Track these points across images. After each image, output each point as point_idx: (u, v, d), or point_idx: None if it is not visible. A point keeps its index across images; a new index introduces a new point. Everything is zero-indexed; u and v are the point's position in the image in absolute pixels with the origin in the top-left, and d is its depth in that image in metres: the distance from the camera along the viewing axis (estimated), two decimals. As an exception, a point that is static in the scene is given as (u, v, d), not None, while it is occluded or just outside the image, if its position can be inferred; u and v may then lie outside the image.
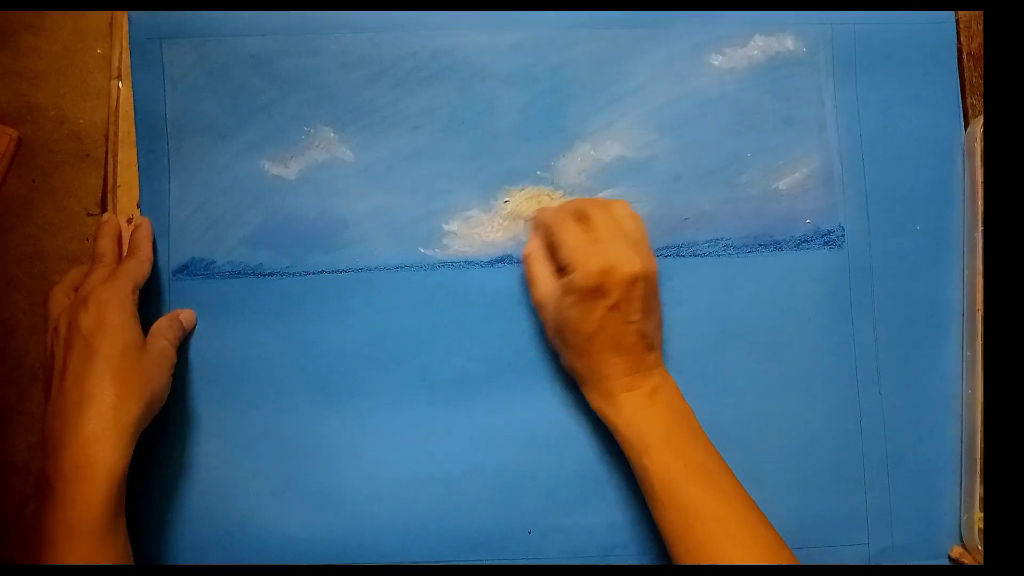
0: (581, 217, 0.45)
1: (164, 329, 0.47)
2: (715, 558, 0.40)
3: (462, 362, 0.50)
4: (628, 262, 0.43)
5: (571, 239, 0.44)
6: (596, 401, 0.46)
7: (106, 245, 0.48)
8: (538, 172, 0.51)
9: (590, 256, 0.43)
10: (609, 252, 0.43)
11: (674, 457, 0.43)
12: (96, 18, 0.52)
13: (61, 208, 0.52)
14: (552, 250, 0.46)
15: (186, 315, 0.49)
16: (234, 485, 0.49)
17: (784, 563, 0.41)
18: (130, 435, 0.42)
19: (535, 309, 0.48)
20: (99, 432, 0.41)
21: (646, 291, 0.44)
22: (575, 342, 0.45)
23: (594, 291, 0.43)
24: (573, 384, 0.49)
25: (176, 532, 0.49)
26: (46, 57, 0.53)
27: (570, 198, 0.51)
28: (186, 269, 0.50)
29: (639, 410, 0.44)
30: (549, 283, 0.46)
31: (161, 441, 0.49)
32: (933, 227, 0.51)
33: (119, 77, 0.51)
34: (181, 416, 0.49)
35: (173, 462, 0.49)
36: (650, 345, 0.45)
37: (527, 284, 0.48)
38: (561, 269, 0.45)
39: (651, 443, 0.43)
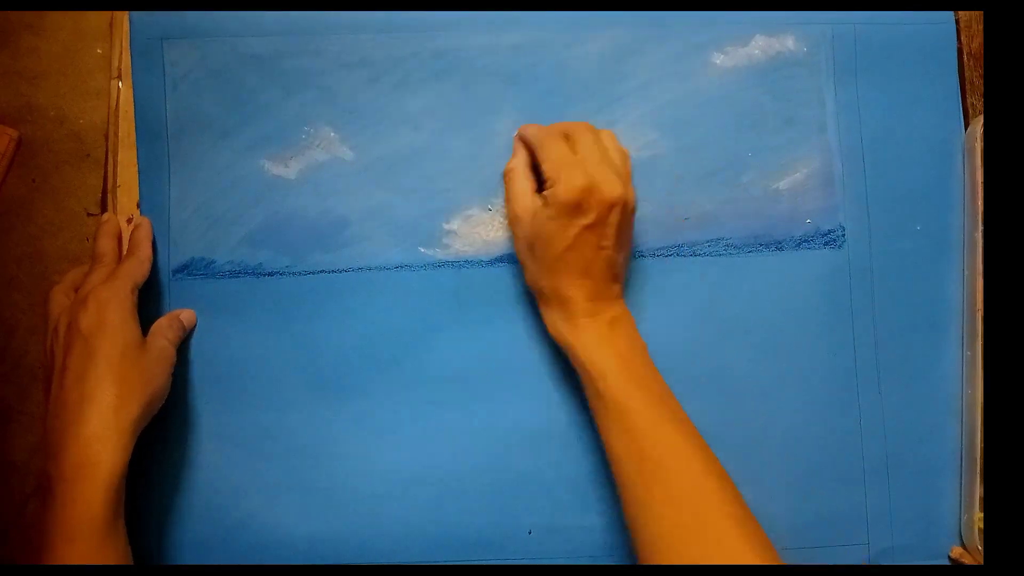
0: (569, 136, 0.45)
1: (164, 329, 0.47)
2: (663, 481, 0.40)
3: (462, 362, 0.50)
4: (611, 185, 0.43)
5: (557, 154, 0.44)
6: (555, 323, 0.46)
7: (106, 245, 0.48)
8: (538, 172, 0.51)
9: (574, 172, 0.43)
10: (594, 172, 0.43)
11: (633, 385, 0.43)
12: (96, 18, 0.52)
13: (61, 208, 0.52)
14: (536, 166, 0.46)
15: (186, 315, 0.49)
16: (234, 485, 0.49)
17: (729, 491, 0.41)
18: (130, 435, 0.42)
19: (509, 223, 0.47)
20: (99, 432, 0.41)
21: (622, 219, 0.44)
22: (545, 257, 0.45)
23: (574, 207, 0.43)
24: (573, 384, 0.49)
25: (176, 532, 0.49)
26: (46, 57, 0.53)
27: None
28: (186, 269, 0.50)
29: (599, 337, 0.44)
30: (528, 197, 0.46)
31: (161, 441, 0.49)
32: (933, 227, 0.51)
33: (119, 77, 0.51)
34: (181, 416, 0.49)
35: (173, 462, 0.49)
36: (616, 275, 0.46)
37: (505, 198, 0.47)
38: (542, 185, 0.45)
39: (609, 369, 0.43)
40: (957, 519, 0.50)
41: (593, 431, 0.49)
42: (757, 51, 0.52)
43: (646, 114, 0.51)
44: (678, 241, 0.51)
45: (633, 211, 0.45)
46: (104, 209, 0.51)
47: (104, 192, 0.51)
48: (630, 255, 0.48)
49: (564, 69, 0.51)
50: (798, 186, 0.51)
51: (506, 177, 0.47)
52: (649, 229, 0.51)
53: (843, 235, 0.51)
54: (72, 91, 0.53)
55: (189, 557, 0.49)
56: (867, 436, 0.50)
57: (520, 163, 0.47)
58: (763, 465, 0.50)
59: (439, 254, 0.51)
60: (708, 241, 0.51)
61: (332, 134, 0.51)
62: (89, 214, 0.52)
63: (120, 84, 0.51)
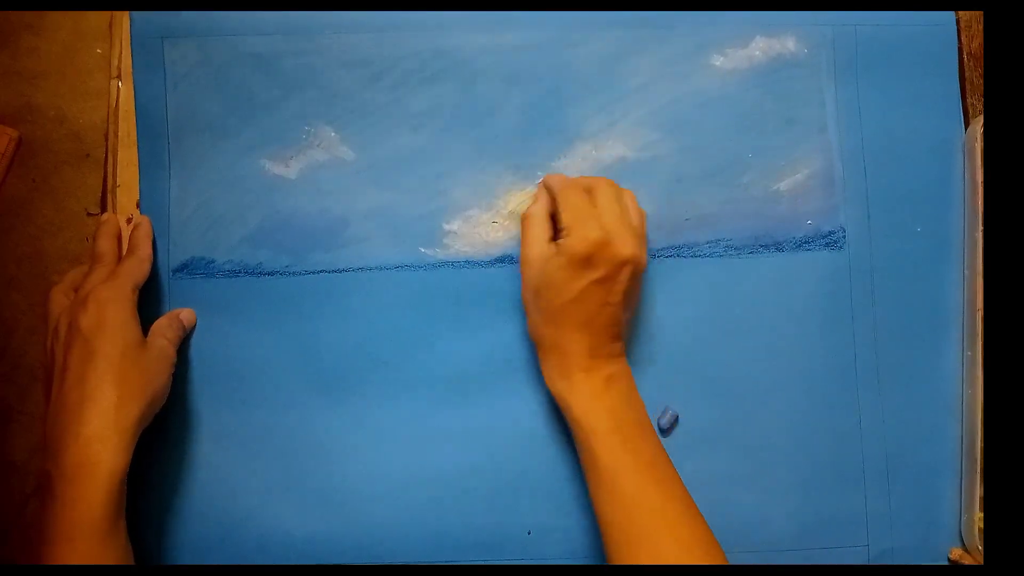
0: (589, 190, 0.45)
1: (164, 328, 0.47)
2: (650, 551, 0.40)
3: (462, 362, 0.50)
4: (624, 243, 0.43)
5: (575, 205, 0.44)
6: (552, 375, 0.46)
7: (105, 245, 0.48)
8: (539, 172, 0.51)
9: (590, 225, 0.43)
10: (610, 227, 0.43)
11: (622, 446, 0.43)
12: (96, 18, 0.52)
13: (61, 208, 0.52)
14: (554, 215, 0.47)
15: (186, 314, 0.49)
16: (234, 485, 0.49)
17: (715, 559, 0.41)
18: (130, 435, 0.42)
19: (521, 267, 0.47)
20: (100, 432, 0.41)
21: (632, 279, 0.44)
22: (549, 306, 0.45)
23: (585, 259, 0.43)
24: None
25: (176, 532, 0.49)
26: (46, 57, 0.53)
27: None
28: (186, 268, 0.50)
29: (593, 393, 0.44)
30: (542, 244, 0.46)
31: (161, 441, 0.49)
32: (933, 227, 0.51)
33: (119, 77, 0.51)
34: (181, 416, 0.49)
35: (173, 462, 0.49)
36: (618, 334, 0.46)
37: (521, 242, 0.47)
38: (557, 234, 0.45)
39: (602, 429, 0.43)
40: (957, 520, 0.50)
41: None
42: (758, 52, 0.52)
43: (646, 115, 0.51)
44: (678, 242, 0.51)
45: (643, 271, 0.45)
46: (104, 209, 0.51)
47: (104, 192, 0.51)
48: (634, 316, 0.48)
49: (564, 69, 0.51)
50: (798, 187, 0.51)
51: (524, 222, 0.47)
52: (649, 230, 0.50)
53: (844, 236, 0.51)
54: (72, 91, 0.53)
55: (189, 557, 0.49)
56: (867, 437, 0.50)
57: (540, 209, 0.47)
58: (763, 466, 0.50)
59: (439, 254, 0.50)
60: (709, 242, 0.51)
61: (332, 134, 0.51)
62: (89, 214, 0.52)
63: (120, 84, 0.51)
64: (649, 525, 0.41)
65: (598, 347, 0.45)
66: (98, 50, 0.52)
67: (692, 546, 0.41)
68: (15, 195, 0.52)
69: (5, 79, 0.53)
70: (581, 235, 0.43)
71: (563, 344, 0.45)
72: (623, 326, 0.46)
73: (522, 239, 0.47)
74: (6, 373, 0.51)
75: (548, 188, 0.47)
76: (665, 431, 0.49)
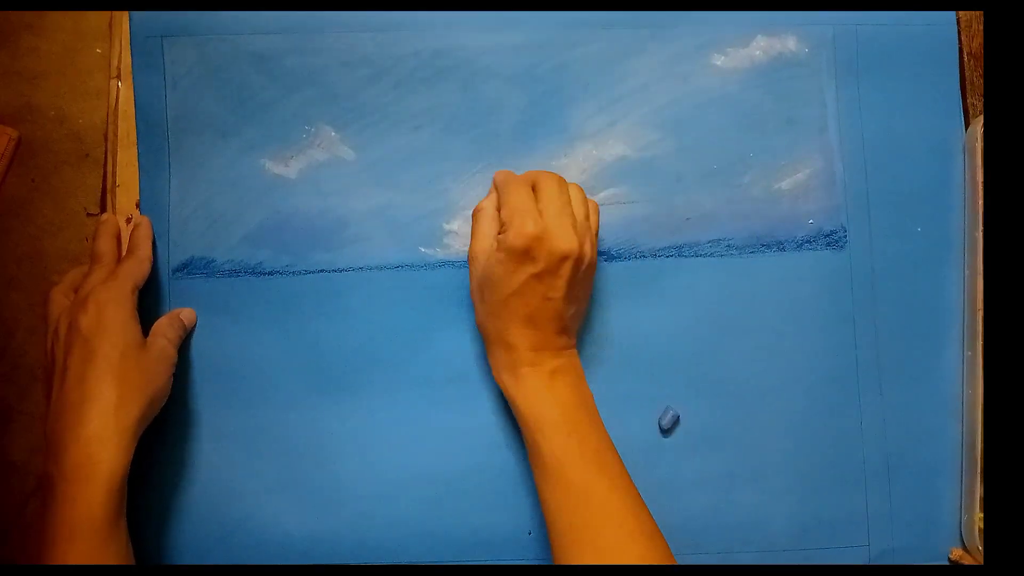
0: (534, 185, 0.45)
1: (164, 328, 0.47)
2: (595, 540, 0.41)
3: (462, 362, 0.50)
4: (563, 238, 0.43)
5: (516, 200, 0.44)
6: (499, 369, 0.46)
7: (105, 245, 0.48)
8: (539, 172, 0.51)
9: (527, 219, 0.43)
10: (549, 222, 0.43)
11: (567, 438, 0.43)
12: (96, 18, 0.52)
13: (61, 208, 0.52)
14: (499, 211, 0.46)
15: (186, 314, 0.49)
16: (234, 485, 0.49)
17: (659, 552, 0.41)
18: (131, 435, 0.42)
19: (468, 259, 0.47)
20: (100, 433, 0.41)
21: (574, 273, 0.44)
22: (492, 300, 0.45)
23: (523, 253, 0.43)
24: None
25: (176, 532, 0.49)
26: (46, 57, 0.53)
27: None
28: (186, 268, 0.50)
29: (539, 388, 0.44)
30: (488, 239, 0.46)
31: (161, 441, 0.49)
32: (934, 227, 0.51)
33: (119, 77, 0.51)
34: (181, 416, 0.49)
35: (173, 462, 0.49)
36: (564, 328, 0.45)
37: (471, 234, 0.47)
38: (501, 228, 0.45)
39: (547, 422, 0.43)
40: (957, 520, 0.50)
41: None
42: (758, 51, 0.52)
43: (647, 114, 0.51)
44: (679, 241, 0.51)
45: (591, 266, 0.45)
46: (104, 209, 0.51)
47: (104, 192, 0.51)
48: (585, 310, 0.48)
49: (565, 69, 0.51)
50: (799, 186, 0.51)
51: (474, 217, 0.47)
52: (650, 229, 0.50)
53: (845, 236, 0.51)
54: (72, 91, 0.53)
55: (189, 557, 0.49)
56: (868, 437, 0.50)
57: (489, 204, 0.47)
58: (764, 466, 0.50)
59: (439, 254, 0.50)
60: (709, 241, 0.51)
61: (333, 133, 0.51)
62: (89, 214, 0.52)
63: (120, 84, 0.51)
64: (594, 516, 0.41)
65: (543, 341, 0.45)
66: (98, 50, 0.52)
67: (637, 536, 0.41)
68: (15, 195, 0.52)
69: (5, 79, 0.52)
70: (517, 230, 0.43)
71: (507, 338, 0.45)
72: (570, 319, 0.46)
73: (472, 235, 0.47)
74: (6, 373, 0.51)
75: (497, 183, 0.47)
76: (666, 431, 0.50)
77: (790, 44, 0.52)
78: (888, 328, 0.50)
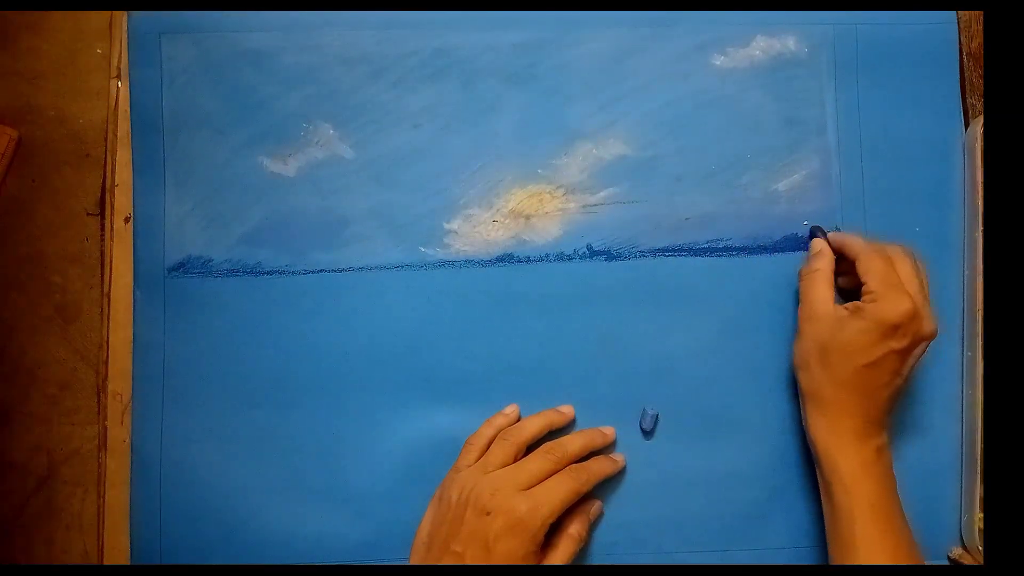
0: (890, 258, 0.45)
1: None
2: None
3: (462, 362, 0.50)
4: (931, 319, 0.44)
5: (882, 271, 0.44)
6: (820, 430, 0.46)
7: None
8: (539, 171, 0.51)
9: (902, 295, 0.43)
10: (919, 301, 0.44)
11: (885, 524, 0.43)
12: (96, 18, 0.52)
13: (61, 208, 0.52)
14: (845, 274, 0.47)
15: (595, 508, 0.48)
16: (234, 485, 0.49)
17: None
18: None
19: (801, 322, 0.47)
20: None
21: (922, 355, 0.45)
22: (839, 367, 0.44)
23: (892, 328, 0.43)
24: (572, 384, 0.49)
25: (176, 532, 0.49)
26: (46, 57, 0.53)
27: (571, 197, 0.51)
28: (182, 267, 0.50)
29: (865, 462, 0.44)
30: (831, 303, 0.46)
31: (162, 441, 0.49)
32: (933, 227, 0.51)
33: (119, 77, 0.51)
34: (182, 416, 0.49)
35: (173, 462, 0.49)
36: (894, 406, 0.46)
37: (801, 298, 0.47)
38: (846, 293, 0.46)
39: (866, 501, 0.43)
40: (957, 519, 0.50)
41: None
42: (758, 51, 0.52)
43: (646, 114, 0.51)
44: (678, 241, 0.51)
45: None
46: (103, 209, 0.51)
47: (103, 192, 0.51)
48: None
49: (565, 69, 0.51)
50: (797, 187, 0.51)
51: (808, 277, 0.47)
52: (649, 229, 0.50)
53: (843, 235, 0.51)
54: (72, 91, 0.53)
55: (189, 557, 0.49)
56: (867, 436, 0.50)
57: (826, 266, 0.47)
58: (764, 465, 0.50)
59: (439, 253, 0.50)
60: (708, 241, 0.51)
61: (331, 131, 0.51)
62: (89, 214, 0.52)
63: (120, 84, 0.51)
64: None
65: (876, 415, 0.45)
66: (98, 50, 0.53)
67: None
68: (15, 195, 0.52)
69: (5, 79, 0.53)
70: (894, 304, 0.43)
71: (845, 405, 0.45)
72: (898, 400, 0.46)
73: (806, 295, 0.47)
74: (6, 373, 0.51)
75: (840, 245, 0.47)
76: (648, 433, 0.49)
77: (790, 44, 0.52)
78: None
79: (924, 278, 0.46)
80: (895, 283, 0.44)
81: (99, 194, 0.52)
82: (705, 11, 0.51)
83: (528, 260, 0.50)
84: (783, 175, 0.51)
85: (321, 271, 0.50)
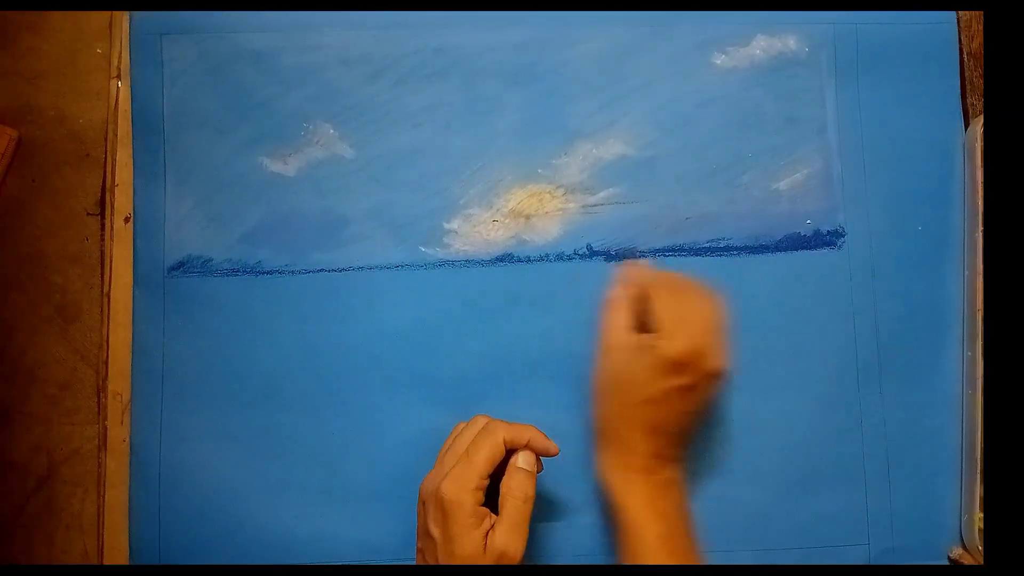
0: (682, 292, 0.45)
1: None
2: None
3: (462, 361, 0.50)
4: (719, 355, 0.43)
5: (672, 307, 0.43)
6: (606, 468, 0.45)
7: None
8: (539, 170, 0.51)
9: (687, 331, 0.42)
10: (706, 339, 0.43)
11: (669, 555, 0.42)
12: (96, 18, 0.52)
13: (61, 208, 0.52)
14: (639, 305, 0.46)
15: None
16: (234, 485, 0.49)
17: None
18: None
19: (599, 353, 0.46)
20: None
21: (714, 391, 0.44)
22: (623, 401, 0.44)
23: (676, 365, 0.42)
24: (571, 383, 0.49)
25: (176, 532, 0.49)
26: (46, 57, 0.53)
27: (571, 196, 0.51)
28: (182, 267, 0.50)
29: (650, 498, 0.43)
30: (625, 333, 0.45)
31: (161, 441, 0.49)
32: (933, 227, 0.51)
33: (119, 77, 0.51)
34: (181, 416, 0.49)
35: (173, 462, 0.49)
36: (685, 441, 0.45)
37: (602, 326, 0.46)
38: (641, 326, 0.45)
39: (651, 536, 0.42)
40: (957, 519, 0.50)
41: (591, 429, 0.49)
42: (758, 51, 0.52)
43: (647, 114, 0.51)
44: (679, 241, 0.51)
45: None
46: (103, 209, 0.51)
47: (103, 192, 0.51)
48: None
49: (565, 68, 0.51)
50: (798, 186, 0.51)
51: (607, 305, 0.47)
52: (650, 229, 0.50)
53: (843, 236, 0.51)
54: (72, 91, 0.53)
55: (189, 557, 0.49)
56: (868, 436, 0.50)
57: (626, 295, 0.46)
58: (764, 465, 0.50)
59: (439, 253, 0.50)
60: (708, 241, 0.51)
61: (331, 131, 0.51)
62: (89, 214, 0.52)
63: (120, 84, 0.51)
64: None
65: (663, 451, 0.44)
66: (98, 50, 0.53)
67: None
68: (15, 195, 0.52)
69: (5, 79, 0.53)
70: (676, 341, 0.42)
71: (629, 441, 0.44)
72: (693, 434, 0.46)
73: (604, 323, 0.46)
74: (6, 373, 0.51)
75: (633, 279, 0.47)
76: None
77: (790, 44, 0.52)
78: (887, 328, 0.50)
79: (719, 314, 0.44)
80: (681, 319, 0.43)
81: (99, 194, 0.52)
82: (705, 11, 0.51)
83: (528, 260, 0.50)
84: (783, 174, 0.51)
85: (321, 271, 0.50)
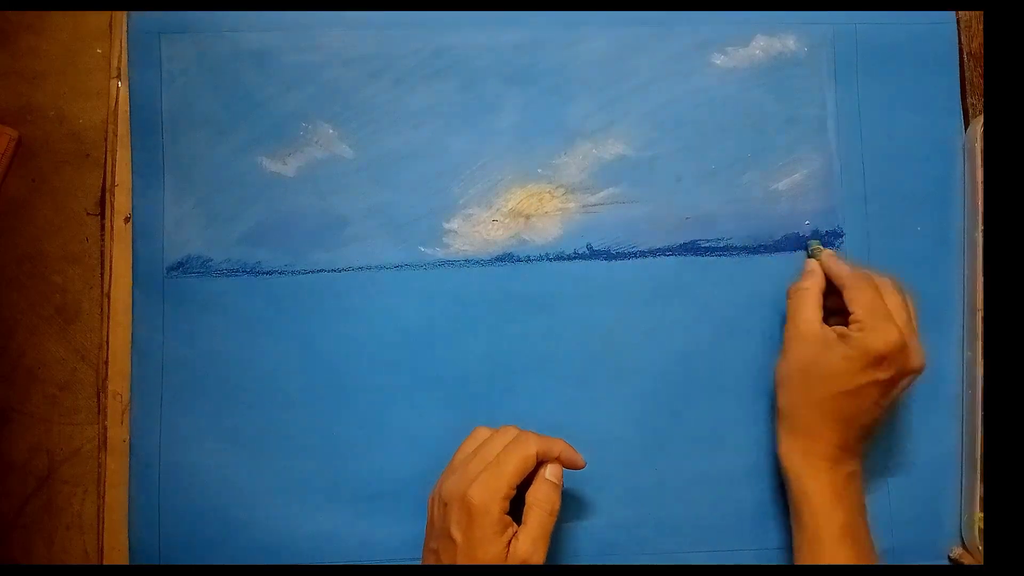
0: (878, 287, 0.45)
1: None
2: None
3: (462, 361, 0.50)
4: (919, 354, 0.44)
5: (871, 300, 0.44)
6: (792, 452, 0.46)
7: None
8: (539, 170, 0.51)
9: (891, 327, 0.43)
10: (908, 334, 0.43)
11: (850, 550, 0.43)
12: (96, 18, 0.52)
13: (61, 208, 0.52)
14: (834, 297, 0.46)
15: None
16: (234, 485, 0.49)
17: None
18: None
19: (787, 340, 0.46)
20: None
21: (908, 388, 0.44)
22: (818, 391, 0.44)
23: (878, 359, 0.42)
24: (571, 383, 0.49)
25: (176, 532, 0.49)
26: (46, 57, 0.53)
27: (571, 196, 0.51)
28: (181, 267, 0.50)
29: (836, 488, 0.44)
30: (817, 324, 0.45)
31: (161, 441, 0.49)
32: (933, 227, 0.51)
33: (119, 77, 0.51)
34: (181, 416, 0.49)
35: (173, 462, 0.49)
36: (870, 436, 0.46)
37: (788, 316, 0.47)
38: (834, 316, 0.45)
39: (836, 527, 0.43)
40: (957, 519, 0.50)
41: (592, 430, 0.49)
42: (758, 51, 0.52)
43: (646, 114, 0.51)
44: (678, 241, 0.51)
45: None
46: (103, 209, 0.51)
47: (103, 192, 0.51)
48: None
49: (564, 68, 0.51)
50: (797, 186, 0.51)
51: (797, 295, 0.47)
52: (649, 229, 0.50)
53: (842, 236, 0.51)
54: (72, 91, 0.53)
55: (189, 557, 0.49)
56: (867, 436, 0.50)
57: (815, 287, 0.46)
58: (764, 465, 0.50)
59: (439, 253, 0.50)
60: (708, 241, 0.51)
61: (331, 131, 0.51)
62: (89, 214, 0.52)
63: (120, 84, 0.51)
64: None
65: (851, 443, 0.44)
66: (98, 50, 0.53)
67: None
68: (15, 195, 0.52)
69: (5, 79, 0.53)
70: (882, 335, 0.42)
71: (818, 430, 0.44)
72: (878, 430, 0.46)
73: (793, 313, 0.46)
74: (6, 373, 0.51)
75: (830, 271, 0.47)
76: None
77: (790, 44, 0.52)
78: (888, 328, 0.50)
79: (912, 311, 0.45)
80: (884, 314, 0.43)
81: (99, 194, 0.52)
82: (705, 11, 0.51)
83: (528, 260, 0.50)
84: (783, 174, 0.51)
85: (320, 271, 0.50)
